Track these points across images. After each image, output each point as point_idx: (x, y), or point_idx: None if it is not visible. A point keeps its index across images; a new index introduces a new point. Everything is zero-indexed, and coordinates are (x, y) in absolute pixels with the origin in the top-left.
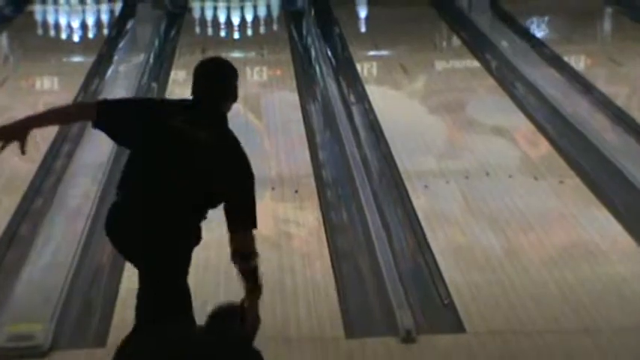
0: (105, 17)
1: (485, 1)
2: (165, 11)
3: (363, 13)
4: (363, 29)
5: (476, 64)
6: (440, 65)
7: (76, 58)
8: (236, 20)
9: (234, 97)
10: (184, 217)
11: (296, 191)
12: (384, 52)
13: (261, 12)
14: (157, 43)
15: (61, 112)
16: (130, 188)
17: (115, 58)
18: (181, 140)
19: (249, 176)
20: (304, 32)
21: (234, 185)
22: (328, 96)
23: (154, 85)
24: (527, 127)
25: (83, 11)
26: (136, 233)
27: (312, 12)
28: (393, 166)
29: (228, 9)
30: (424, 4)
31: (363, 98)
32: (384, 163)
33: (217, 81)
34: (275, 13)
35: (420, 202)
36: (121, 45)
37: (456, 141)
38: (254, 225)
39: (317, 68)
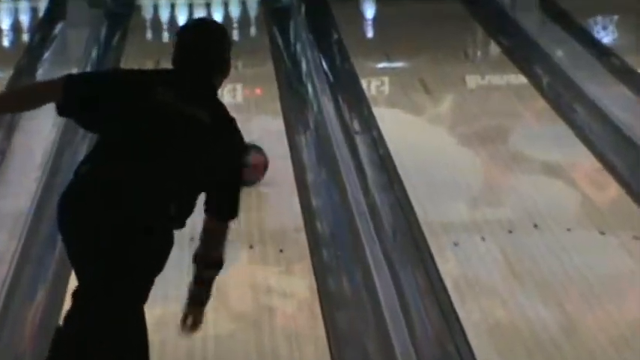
0: (24, 18)
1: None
2: (105, 11)
3: (370, 11)
4: (370, 33)
5: (521, 79)
6: (473, 81)
7: None
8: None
9: (225, 71)
10: (165, 204)
11: (281, 251)
12: (398, 64)
13: (234, 11)
14: (94, 53)
15: (14, 95)
16: (102, 161)
17: (39, 72)
18: (173, 119)
19: (240, 159)
20: (292, 37)
21: (227, 169)
22: (324, 123)
23: None
24: (590, 163)
25: None
26: (104, 214)
27: (303, 10)
28: (412, 216)
29: (190, 6)
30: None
31: (370, 126)
32: (398, 213)
33: (204, 51)
34: (253, 11)
35: (447, 265)
36: (46, 55)
37: (494, 183)
38: (236, 214)
39: (309, 86)
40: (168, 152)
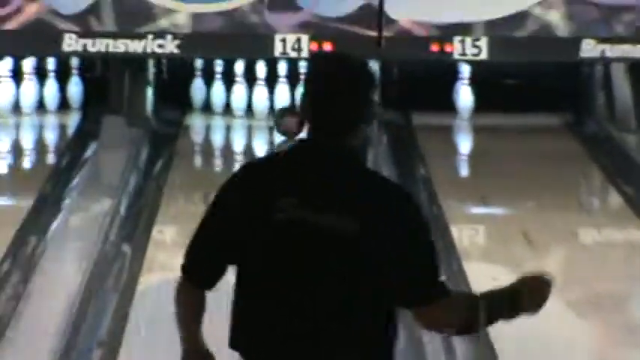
0: (51, 136)
1: None
2: (146, 130)
3: (465, 144)
4: (464, 171)
5: None
6: (587, 235)
7: (3, 202)
8: (260, 147)
9: (368, 120)
10: (354, 344)
11: None
12: (496, 210)
13: None
14: (132, 180)
15: (184, 315)
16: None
17: (65, 202)
18: (307, 242)
19: (424, 230)
20: None
21: (409, 256)
22: None
23: (126, 248)
24: None
25: (17, 126)
26: None
27: (385, 139)
28: None
29: (249, 129)
30: (563, 133)
31: (460, 285)
32: None
33: (337, 111)
34: None
35: None
36: (75, 182)
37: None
38: (445, 292)
39: None
40: (321, 291)
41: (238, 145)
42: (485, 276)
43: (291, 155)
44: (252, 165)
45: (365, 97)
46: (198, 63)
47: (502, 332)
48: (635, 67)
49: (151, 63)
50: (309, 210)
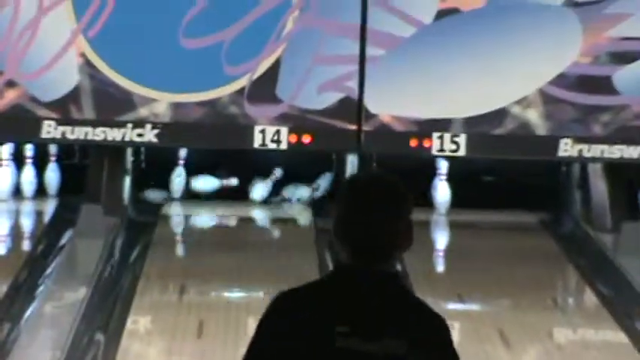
0: (27, 223)
1: None
2: (124, 219)
3: (441, 240)
4: (440, 267)
5: (621, 337)
6: (562, 335)
7: None
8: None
9: (408, 242)
10: None
11: None
12: (472, 307)
13: (286, 232)
14: (107, 270)
15: None
16: None
17: (40, 289)
18: None
19: (455, 357)
20: None
21: None
22: None
23: (99, 337)
24: None
25: None
26: None
27: None
28: None
29: (230, 219)
30: (539, 231)
31: None
32: None
33: (376, 240)
34: (303, 221)
35: None
36: (50, 269)
37: None
38: None
39: None
40: None
41: (217, 236)
42: None
43: (334, 282)
44: (296, 292)
45: (406, 222)
46: (181, 152)
47: None
48: (611, 167)
49: (129, 151)
50: (360, 338)
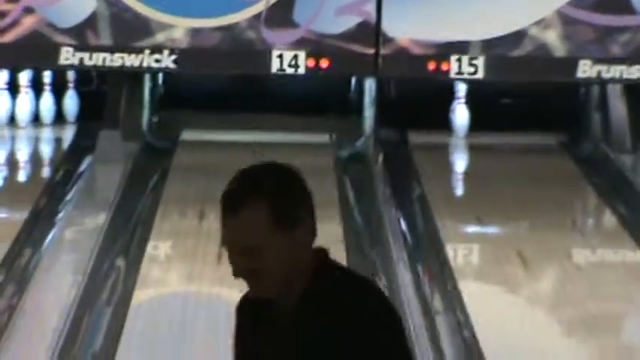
0: (46, 149)
1: None
2: (142, 144)
3: (460, 163)
4: (459, 190)
5: None
6: (581, 256)
7: None
8: None
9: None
10: None
11: None
12: (491, 230)
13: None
14: (126, 195)
15: None
16: None
17: (60, 216)
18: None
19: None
20: (365, 191)
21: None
22: (399, 298)
23: (120, 262)
24: None
25: (12, 138)
26: None
27: (380, 158)
28: None
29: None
30: (559, 153)
31: (455, 304)
32: None
33: None
34: (320, 158)
35: None
36: (69, 196)
37: None
38: None
39: (382, 250)
40: None
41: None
42: (479, 295)
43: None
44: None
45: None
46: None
47: (496, 351)
48: (631, 88)
49: (147, 77)
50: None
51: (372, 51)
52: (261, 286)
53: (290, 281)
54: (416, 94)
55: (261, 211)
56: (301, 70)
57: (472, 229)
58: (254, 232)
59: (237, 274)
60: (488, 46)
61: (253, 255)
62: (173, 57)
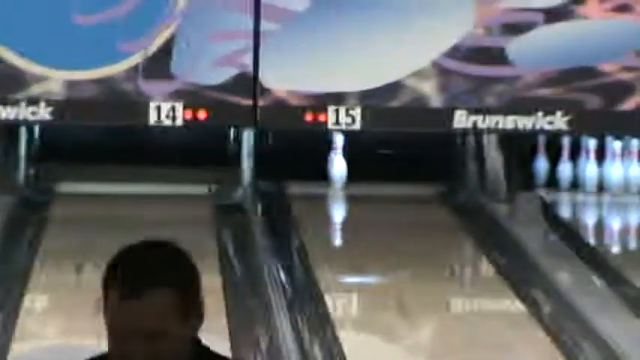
0: None
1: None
2: (18, 197)
3: (339, 213)
4: (338, 240)
5: (518, 306)
6: (459, 304)
7: None
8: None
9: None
10: None
11: None
12: (370, 279)
13: (184, 210)
14: (2, 248)
15: None
16: None
17: None
18: None
19: None
20: (244, 242)
21: None
22: (278, 347)
23: None
24: None
25: None
26: None
27: (259, 208)
28: None
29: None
30: (436, 203)
31: (334, 354)
32: None
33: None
34: (198, 208)
35: None
36: None
37: None
38: None
39: (262, 300)
40: None
41: (115, 212)
42: (359, 344)
43: None
44: None
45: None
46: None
47: None
48: (506, 138)
49: (23, 130)
50: None
51: (250, 102)
52: None
53: None
54: (294, 145)
55: (168, 296)
56: (179, 122)
57: (351, 279)
58: (161, 317)
59: (132, 357)
60: (365, 96)
61: (155, 340)
62: (49, 109)
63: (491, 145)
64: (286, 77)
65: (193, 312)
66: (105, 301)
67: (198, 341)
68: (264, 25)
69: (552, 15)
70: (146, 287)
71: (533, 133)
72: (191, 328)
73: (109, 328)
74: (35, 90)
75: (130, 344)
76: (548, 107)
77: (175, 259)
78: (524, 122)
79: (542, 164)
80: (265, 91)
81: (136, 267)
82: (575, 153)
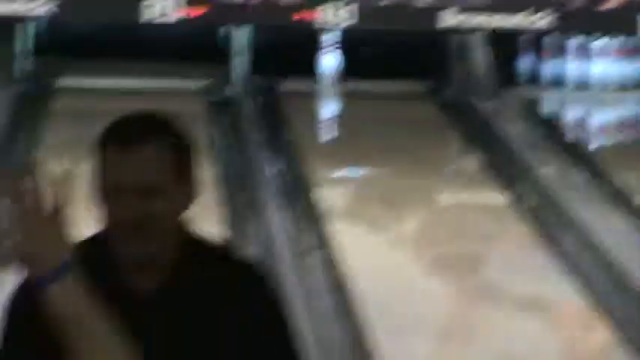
0: None
1: (524, 105)
2: (15, 92)
3: (328, 109)
4: (327, 134)
5: (501, 199)
6: (444, 198)
7: None
8: None
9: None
10: None
11: None
12: (358, 172)
13: (171, 103)
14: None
15: None
16: None
17: None
18: None
19: None
20: (235, 136)
21: None
22: (270, 239)
23: None
24: (577, 302)
25: None
26: None
27: (251, 106)
28: (366, 352)
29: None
30: (423, 100)
31: (322, 245)
32: (353, 347)
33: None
34: (191, 104)
35: None
36: None
37: (463, 318)
38: None
39: (253, 193)
40: None
41: (113, 106)
42: (347, 235)
43: None
44: None
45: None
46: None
47: (363, 286)
48: (491, 36)
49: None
50: None
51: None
52: (151, 237)
53: (165, 244)
54: (285, 42)
55: (166, 152)
56: (172, 19)
57: (340, 173)
58: (158, 172)
59: (124, 217)
60: None
61: (150, 197)
62: (48, 6)
63: (477, 43)
64: None
65: (186, 175)
66: (96, 166)
67: (191, 232)
68: None
69: None
70: (134, 141)
71: (517, 32)
72: (184, 196)
73: (101, 191)
74: None
75: (124, 203)
76: (533, 6)
77: (167, 121)
78: (510, 20)
79: (526, 62)
80: None
81: (126, 126)
82: (557, 51)
